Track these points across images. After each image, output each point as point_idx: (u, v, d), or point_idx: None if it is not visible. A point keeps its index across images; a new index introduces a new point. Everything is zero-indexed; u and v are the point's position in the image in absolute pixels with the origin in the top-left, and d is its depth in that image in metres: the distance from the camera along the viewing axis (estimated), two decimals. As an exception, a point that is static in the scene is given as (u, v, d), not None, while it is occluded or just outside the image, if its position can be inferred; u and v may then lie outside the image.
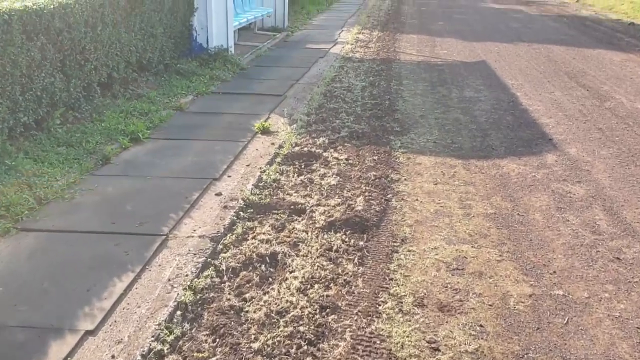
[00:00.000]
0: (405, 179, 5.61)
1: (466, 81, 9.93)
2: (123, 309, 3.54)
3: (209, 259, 4.06)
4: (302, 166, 5.89)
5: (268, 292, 3.70)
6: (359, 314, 3.51)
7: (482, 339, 3.32)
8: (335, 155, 6.18)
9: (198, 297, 3.63)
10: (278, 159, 6.01)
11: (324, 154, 6.24)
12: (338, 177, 5.57)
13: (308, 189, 5.33)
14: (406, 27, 16.74)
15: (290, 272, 3.92)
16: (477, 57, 12.19)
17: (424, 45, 13.66)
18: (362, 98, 8.63)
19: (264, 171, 5.66)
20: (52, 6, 6.27)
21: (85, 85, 7.19)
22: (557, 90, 9.28)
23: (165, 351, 3.15)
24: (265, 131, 6.95)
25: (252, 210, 4.85)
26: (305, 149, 6.34)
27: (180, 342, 3.23)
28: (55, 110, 6.51)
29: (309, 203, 4.98)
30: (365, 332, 3.35)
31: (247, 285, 3.78)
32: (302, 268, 3.96)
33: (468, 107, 8.29)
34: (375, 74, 10.41)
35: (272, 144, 6.58)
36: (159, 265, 3.99)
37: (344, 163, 5.97)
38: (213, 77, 9.60)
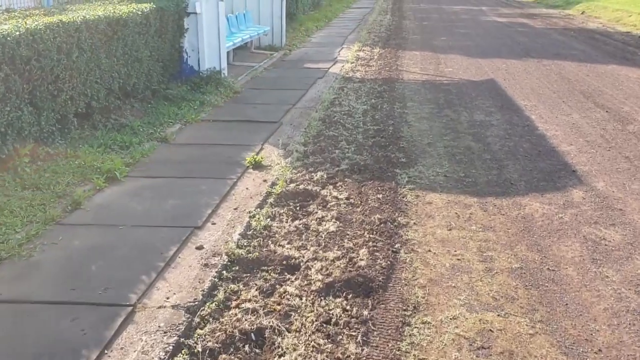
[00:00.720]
0: (414, 223, 4.93)
1: (475, 102, 9.27)
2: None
3: (181, 339, 3.37)
4: (297, 208, 5.21)
5: (252, 385, 3.01)
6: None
7: None
8: (335, 193, 5.50)
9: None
10: (270, 200, 5.34)
11: (322, 191, 5.56)
12: (338, 222, 4.89)
13: (303, 237, 4.65)
14: (408, 43, 16.15)
15: (280, 356, 3.23)
16: (485, 75, 11.55)
17: (427, 63, 13.03)
18: (363, 124, 7.97)
19: (254, 216, 4.98)
20: (17, 33, 5.64)
21: (60, 118, 6.54)
22: (574, 112, 8.61)
23: None
24: (258, 165, 6.28)
25: (237, 267, 4.17)
26: (301, 186, 5.67)
27: None
28: (24, 147, 5.85)
29: (304, 257, 4.30)
30: None
31: (227, 375, 3.09)
32: (294, 349, 3.27)
33: (479, 132, 7.62)
34: (378, 95, 9.76)
35: (265, 180, 5.90)
36: (121, 348, 3.29)
37: (344, 203, 5.29)
38: (204, 103, 8.96)
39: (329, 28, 20.29)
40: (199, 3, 9.75)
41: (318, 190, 5.58)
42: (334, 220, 4.93)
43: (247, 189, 5.68)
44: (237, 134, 7.53)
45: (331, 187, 5.72)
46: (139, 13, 8.19)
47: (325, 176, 5.97)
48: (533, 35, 17.32)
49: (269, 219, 4.92)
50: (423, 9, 27.48)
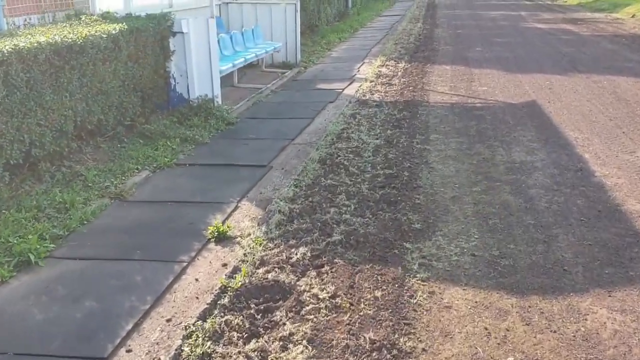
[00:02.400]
0: (423, 349, 3.35)
1: (514, 134, 7.60)
2: None
3: None
4: (259, 315, 3.70)
5: None
6: None
7: None
8: (316, 288, 3.97)
9: None
10: (223, 301, 3.84)
11: (299, 283, 4.05)
12: (309, 347, 3.35)
13: (256, 375, 3.12)
14: (438, 56, 14.48)
15: None
16: (525, 95, 9.82)
17: (458, 80, 11.37)
18: (372, 167, 6.41)
19: (190, 335, 3.49)
20: None
21: (-19, 174, 5.21)
22: (639, 149, 6.86)
23: None
24: (222, 237, 4.80)
25: None
26: (272, 274, 4.16)
27: None
28: None
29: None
30: None
31: None
32: None
33: (519, 180, 5.96)
34: (395, 124, 8.19)
35: (224, 265, 4.41)
36: None
37: (326, 307, 3.75)
38: (186, 140, 7.55)
39: (353, 40, 18.78)
40: (185, 21, 8.39)
41: (294, 281, 4.06)
42: (305, 342, 3.40)
43: (196, 280, 4.18)
44: (212, 185, 6.07)
45: (314, 274, 4.19)
46: (103, 36, 6.84)
47: (308, 254, 4.45)
48: (579, 44, 15.41)
49: (211, 341, 3.42)
50: (458, 15, 25.70)
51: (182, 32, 8.41)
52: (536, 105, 9.07)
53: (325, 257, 4.42)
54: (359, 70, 12.98)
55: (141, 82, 7.90)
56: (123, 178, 6.21)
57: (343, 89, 10.96)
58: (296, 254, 4.46)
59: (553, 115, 8.45)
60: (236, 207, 5.47)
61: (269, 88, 11.22)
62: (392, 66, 13.22)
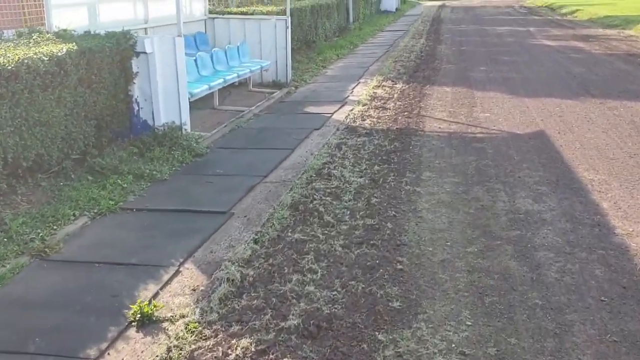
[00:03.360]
0: None
1: (519, 173, 6.59)
2: None
3: None
4: None
5: None
6: None
7: None
8: (251, 407, 2.97)
9: None
10: None
11: (233, 397, 3.04)
12: None
13: None
14: (439, 76, 13.52)
15: None
16: (532, 124, 8.83)
17: (459, 104, 10.39)
18: (351, 215, 5.44)
19: None
20: None
21: None
22: (668, 195, 5.85)
23: None
24: (147, 320, 3.81)
25: None
26: (199, 382, 3.16)
27: None
28: None
29: None
30: None
31: None
32: None
33: (524, 238, 4.95)
34: (384, 158, 7.21)
35: (139, 366, 3.42)
36: None
37: None
38: (142, 176, 6.60)
39: (351, 57, 17.86)
40: (149, 40, 7.47)
41: (224, 395, 3.06)
42: None
43: (95, 392, 3.19)
44: (155, 239, 5.10)
45: (253, 381, 3.19)
46: (44, 59, 5.92)
47: (252, 349, 3.47)
48: (591, 63, 14.40)
49: None
50: (463, 30, 24.78)
51: (146, 53, 7.49)
52: (545, 137, 8.06)
53: (273, 354, 3.42)
54: (352, 92, 12.04)
55: (95, 108, 6.97)
56: (55, 227, 5.26)
57: (332, 114, 10.00)
58: (236, 349, 3.47)
59: (564, 149, 7.44)
60: (177, 272, 4.49)
61: (252, 111, 10.28)
62: (388, 87, 12.28)
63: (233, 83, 10.83)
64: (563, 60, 14.97)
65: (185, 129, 7.89)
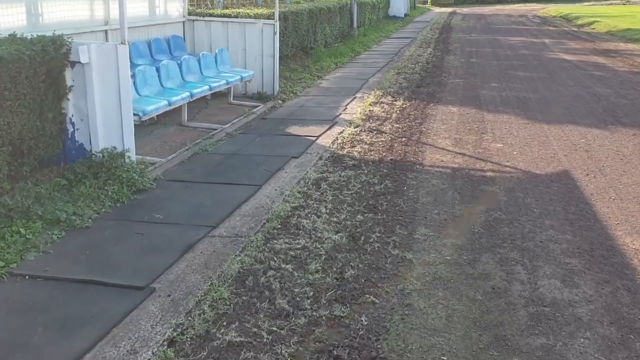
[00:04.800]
0: None
1: (540, 235, 5.10)
2: None
3: None
4: None
5: None
6: None
7: None
8: None
9: None
10: None
11: None
12: None
13: None
14: (445, 92, 12.05)
15: None
16: (554, 160, 7.33)
17: (466, 130, 8.90)
18: (315, 299, 3.99)
19: None
20: None
21: None
22: None
23: None
24: None
25: None
26: None
27: None
28: None
29: None
30: None
31: None
32: None
33: (552, 353, 3.46)
34: (371, 204, 5.76)
35: None
36: None
37: None
38: (57, 222, 5.16)
39: (352, 66, 16.41)
40: (84, 48, 6.02)
41: None
42: None
43: None
44: (35, 333, 3.63)
45: None
46: None
47: None
48: (616, 83, 12.87)
49: None
50: (474, 40, 23.29)
51: (81, 63, 6.04)
52: (570, 180, 6.56)
53: None
54: (346, 109, 10.58)
55: (11, 132, 5.54)
56: None
57: (318, 137, 8.54)
58: None
59: (596, 200, 5.94)
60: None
61: (226, 130, 8.83)
62: (387, 104, 10.82)
63: (205, 97, 9.38)
64: (584, 79, 13.44)
65: (129, 157, 6.44)
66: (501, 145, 8.03)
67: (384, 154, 7.64)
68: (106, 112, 6.32)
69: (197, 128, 8.93)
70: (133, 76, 7.69)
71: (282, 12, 13.58)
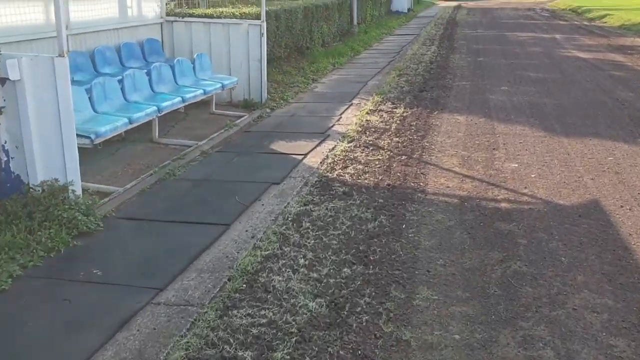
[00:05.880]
0: None
1: (572, 300, 4.02)
2: None
3: None
4: None
5: None
6: None
7: None
8: None
9: None
10: None
11: None
12: None
13: None
14: (450, 97, 10.96)
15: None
16: (579, 185, 6.23)
17: (475, 144, 7.81)
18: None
19: None
20: None
21: None
22: None
23: None
24: None
25: None
26: None
27: None
28: None
29: None
30: None
31: None
32: None
33: None
34: (361, 250, 4.72)
35: None
36: None
37: None
38: (-35, 285, 4.09)
39: (350, 67, 15.32)
40: (13, 62, 4.97)
41: None
42: None
43: None
44: None
45: None
46: None
47: None
48: (639, 85, 11.71)
49: None
50: (480, 36, 22.12)
51: (9, 79, 4.99)
52: (602, 214, 5.47)
53: None
54: (340, 118, 9.51)
55: None
56: None
57: (306, 155, 7.48)
58: None
59: (637, 243, 4.83)
60: None
61: (201, 147, 7.78)
62: (386, 112, 9.73)
63: (176, 110, 8.32)
64: (603, 80, 12.29)
65: (73, 191, 5.38)
66: (516, 165, 6.94)
67: (380, 177, 6.57)
68: (45, 138, 5.27)
69: (169, 145, 7.88)
70: (89, 90, 6.65)
71: (274, 10, 12.52)
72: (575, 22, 27.59)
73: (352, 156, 7.36)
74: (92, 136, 6.00)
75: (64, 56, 5.14)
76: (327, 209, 5.62)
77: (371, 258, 4.62)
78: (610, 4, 35.03)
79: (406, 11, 33.90)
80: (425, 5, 44.97)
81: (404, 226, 5.25)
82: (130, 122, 6.64)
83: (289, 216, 5.44)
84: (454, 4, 48.28)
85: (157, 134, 7.90)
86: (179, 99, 7.79)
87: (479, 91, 11.50)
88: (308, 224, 5.25)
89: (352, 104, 10.57)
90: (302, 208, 5.63)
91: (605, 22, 26.19)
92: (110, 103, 7.00)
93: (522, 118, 9.20)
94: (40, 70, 5.12)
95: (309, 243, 4.88)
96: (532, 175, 6.56)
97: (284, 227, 5.19)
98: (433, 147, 7.78)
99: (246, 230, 5.19)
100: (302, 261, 4.54)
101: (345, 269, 4.43)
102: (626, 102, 10.06)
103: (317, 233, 5.07)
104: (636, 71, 13.30)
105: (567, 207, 5.63)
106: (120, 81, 7.30)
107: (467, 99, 10.80)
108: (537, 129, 8.51)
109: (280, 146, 7.91)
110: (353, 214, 5.49)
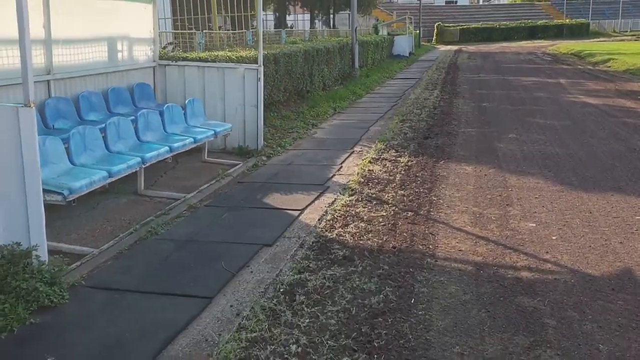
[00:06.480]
0: None
1: (621, 404, 3.30)
2: None
3: None
4: None
5: None
6: None
7: None
8: None
9: None
10: None
11: None
12: None
13: None
14: (457, 145, 10.41)
15: None
16: (607, 249, 5.57)
17: (486, 199, 7.19)
18: None
19: None
20: None
21: None
22: None
23: None
24: None
25: None
26: None
27: None
28: None
29: None
30: None
31: None
32: None
33: None
34: (365, 333, 4.09)
35: None
36: None
37: None
38: None
39: (352, 111, 14.89)
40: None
41: None
42: None
43: None
44: None
45: None
46: None
47: None
48: (654, 133, 11.17)
49: None
50: (483, 81, 21.82)
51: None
52: (638, 287, 4.79)
53: None
54: (341, 167, 8.93)
55: None
56: None
57: (303, 210, 6.85)
58: None
59: (687, 327, 4.15)
60: None
61: (189, 201, 7.17)
62: (390, 161, 9.17)
63: (160, 159, 7.73)
64: (617, 128, 11.77)
65: (37, 256, 4.72)
66: (534, 225, 6.29)
67: (384, 237, 5.92)
68: (6, 197, 4.65)
69: (154, 198, 7.27)
70: (67, 140, 6.07)
71: (273, 53, 12.13)
72: (579, 67, 27.39)
73: (353, 212, 6.74)
74: (65, 192, 5.39)
75: (30, 106, 4.56)
76: (324, 277, 4.96)
77: (375, 344, 3.93)
78: (612, 49, 35.05)
79: (407, 55, 33.90)
80: (426, 49, 45.20)
81: (412, 301, 4.57)
82: (110, 176, 6.03)
83: (280, 287, 4.77)
84: (455, 47, 48.57)
85: (142, 185, 7.30)
86: (166, 148, 7.21)
87: (486, 139, 10.96)
88: (302, 298, 4.59)
89: (353, 152, 10.02)
90: (296, 277, 4.97)
91: (610, 67, 25.96)
92: (90, 154, 6.42)
93: (534, 169, 8.60)
94: (1, 121, 4.53)
95: (302, 323, 4.20)
96: (553, 237, 5.90)
97: (274, 302, 4.52)
98: (441, 201, 7.16)
99: (231, 306, 4.51)
100: (294, 348, 3.86)
101: (345, 359, 3.74)
102: (645, 153, 9.48)
103: (312, 310, 4.39)
104: (650, 119, 12.79)
105: (598, 278, 4.96)
106: (104, 130, 6.73)
107: (474, 148, 10.24)
108: (553, 183, 7.90)
109: (275, 200, 7.29)
110: (354, 285, 4.82)
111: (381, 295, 4.63)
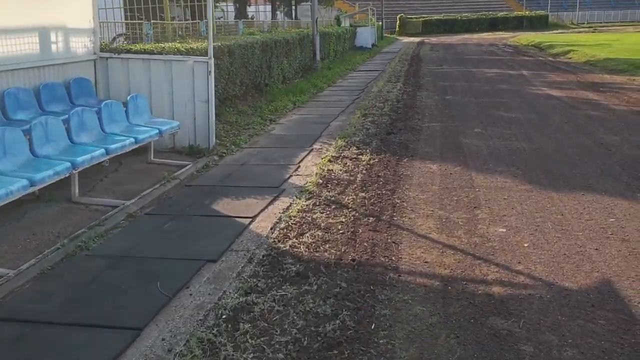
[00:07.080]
0: None
1: None
2: None
3: None
4: None
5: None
6: None
7: None
8: None
9: None
10: None
11: None
12: None
13: None
14: (421, 141, 9.94)
15: None
16: (582, 257, 5.14)
17: (453, 202, 6.70)
18: None
19: None
20: None
21: None
22: None
23: None
24: None
25: None
26: None
27: None
28: None
29: None
30: None
31: None
32: None
33: None
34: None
35: None
36: None
37: None
38: None
39: (312, 105, 14.30)
40: None
41: None
42: None
43: None
44: None
45: None
46: None
47: None
48: (621, 126, 10.91)
49: None
50: (446, 73, 21.50)
51: None
52: (619, 302, 4.35)
53: None
54: (298, 167, 8.35)
55: None
56: None
57: (254, 217, 6.25)
58: None
59: (676, 352, 3.71)
60: None
61: (129, 209, 6.48)
62: (351, 159, 8.62)
63: (103, 161, 7.01)
64: (581, 121, 11.48)
65: None
66: (504, 230, 5.83)
67: (343, 248, 5.38)
68: None
69: (90, 206, 6.55)
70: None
71: (227, 45, 11.43)
72: (540, 58, 27.37)
73: (309, 218, 6.17)
74: (-28, 207, 4.65)
75: None
76: (274, 299, 4.38)
77: (329, 385, 3.37)
78: (571, 40, 35.32)
79: (370, 47, 33.47)
80: (389, 41, 44.89)
81: (373, 327, 4.03)
82: (32, 184, 5.30)
83: (223, 313, 4.17)
84: (417, 39, 48.44)
85: (77, 192, 6.58)
86: (102, 150, 6.49)
87: (451, 134, 10.52)
88: (247, 326, 4.00)
89: (312, 149, 9.45)
90: (241, 299, 4.38)
91: (570, 58, 26.00)
92: (12, 160, 5.68)
93: (502, 167, 8.18)
94: None
95: (246, 359, 3.60)
96: (525, 245, 5.44)
97: (214, 332, 3.92)
98: (405, 204, 6.65)
99: (163, 339, 3.89)
100: (233, 393, 3.26)
101: (293, 405, 3.17)
102: (612, 147, 9.16)
103: (258, 341, 3.81)
104: (613, 110, 12.56)
105: (575, 293, 4.50)
106: (28, 132, 5.98)
107: (438, 144, 9.79)
108: (521, 181, 7.48)
109: (224, 206, 6.66)
110: (307, 308, 4.26)
111: (337, 321, 4.07)
